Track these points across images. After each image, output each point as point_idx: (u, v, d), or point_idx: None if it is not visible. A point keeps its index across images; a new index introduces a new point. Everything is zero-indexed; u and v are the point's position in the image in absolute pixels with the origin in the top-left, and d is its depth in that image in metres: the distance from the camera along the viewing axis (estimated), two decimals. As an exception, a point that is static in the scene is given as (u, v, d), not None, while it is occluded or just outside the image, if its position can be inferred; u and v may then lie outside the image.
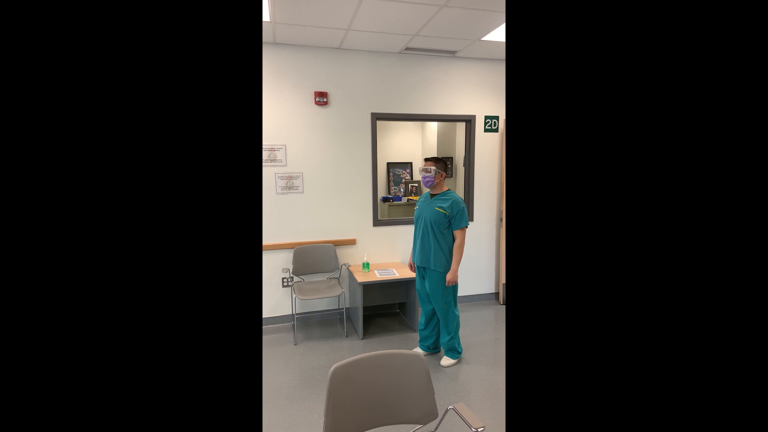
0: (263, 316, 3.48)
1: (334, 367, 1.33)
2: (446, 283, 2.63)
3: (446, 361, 2.80)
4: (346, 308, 3.62)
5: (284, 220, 3.43)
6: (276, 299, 3.49)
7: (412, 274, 3.20)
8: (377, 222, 3.67)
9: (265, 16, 2.63)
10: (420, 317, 2.91)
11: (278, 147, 3.34)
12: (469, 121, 3.79)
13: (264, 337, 3.28)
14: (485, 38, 3.12)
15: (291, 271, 3.42)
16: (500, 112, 3.85)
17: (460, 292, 3.90)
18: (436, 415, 1.46)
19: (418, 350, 2.89)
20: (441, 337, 2.83)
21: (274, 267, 3.44)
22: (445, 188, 2.70)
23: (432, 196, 2.70)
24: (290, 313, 3.51)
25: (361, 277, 3.20)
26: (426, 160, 2.67)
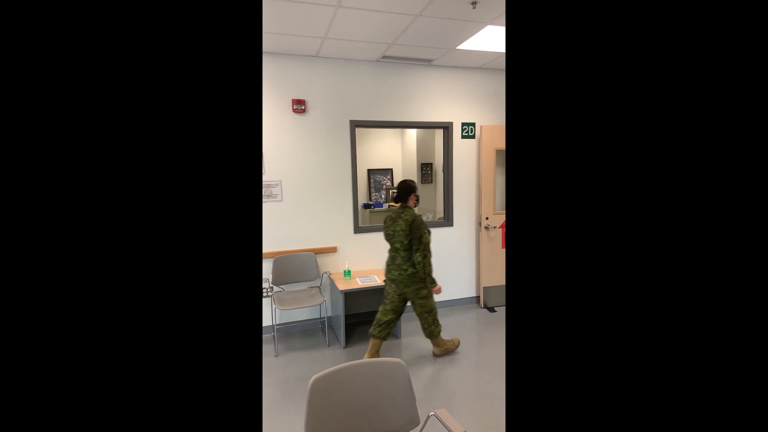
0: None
1: (313, 378, 1.32)
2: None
3: None
4: (327, 317, 3.59)
5: (263, 229, 3.38)
6: (256, 310, 3.42)
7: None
8: (358, 229, 3.66)
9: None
10: None
11: (256, 155, 3.30)
12: (446, 128, 3.84)
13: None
14: (460, 47, 3.18)
15: (270, 280, 3.37)
16: (476, 119, 3.92)
17: (443, 297, 3.96)
18: (417, 422, 1.46)
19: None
20: None
21: (253, 277, 3.38)
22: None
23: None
24: (270, 324, 3.45)
25: (343, 285, 3.18)
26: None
